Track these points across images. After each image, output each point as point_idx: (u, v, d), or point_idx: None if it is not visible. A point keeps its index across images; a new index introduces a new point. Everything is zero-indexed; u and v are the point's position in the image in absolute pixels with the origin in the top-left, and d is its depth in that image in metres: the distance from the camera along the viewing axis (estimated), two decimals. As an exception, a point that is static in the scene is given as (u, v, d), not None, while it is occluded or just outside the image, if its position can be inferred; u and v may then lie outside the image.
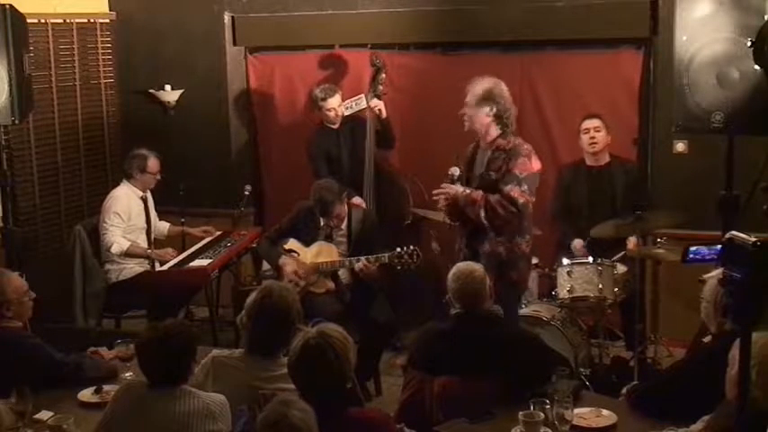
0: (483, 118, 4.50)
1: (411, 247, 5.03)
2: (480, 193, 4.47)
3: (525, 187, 4.44)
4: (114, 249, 5.52)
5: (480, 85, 4.51)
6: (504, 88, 4.56)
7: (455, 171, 4.56)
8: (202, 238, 6.02)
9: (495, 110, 4.48)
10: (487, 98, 4.48)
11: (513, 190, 4.41)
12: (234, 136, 6.77)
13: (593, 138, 5.38)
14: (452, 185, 4.54)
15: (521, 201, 4.42)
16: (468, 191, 4.50)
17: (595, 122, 5.40)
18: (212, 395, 3.10)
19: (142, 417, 3.01)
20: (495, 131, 4.52)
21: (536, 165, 4.51)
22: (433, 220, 5.50)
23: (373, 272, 5.10)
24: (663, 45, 5.40)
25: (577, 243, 5.33)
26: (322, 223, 5.27)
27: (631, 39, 5.75)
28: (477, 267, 3.76)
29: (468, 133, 4.64)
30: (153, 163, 5.71)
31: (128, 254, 5.56)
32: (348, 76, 6.32)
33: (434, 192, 4.60)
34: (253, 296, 3.42)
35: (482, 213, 4.44)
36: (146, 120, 6.76)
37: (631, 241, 5.15)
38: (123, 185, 5.73)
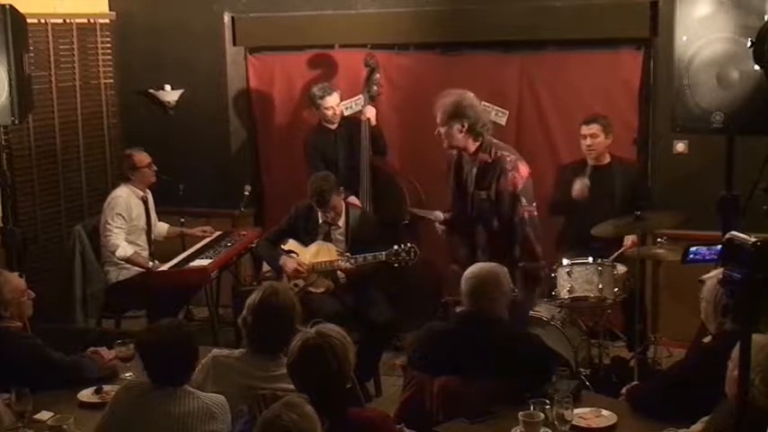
0: (456, 135, 4.43)
1: (408, 245, 5.03)
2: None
3: (524, 200, 4.40)
4: (119, 253, 5.51)
5: (446, 102, 4.43)
6: (470, 97, 4.47)
7: (438, 216, 4.67)
8: (202, 238, 6.02)
9: (466, 124, 4.41)
10: (456, 114, 4.40)
11: (524, 210, 4.38)
12: (234, 136, 6.77)
13: (589, 145, 5.38)
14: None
15: (526, 216, 4.39)
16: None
17: (592, 128, 5.35)
18: (212, 396, 3.10)
19: (142, 417, 3.02)
20: (473, 144, 4.47)
21: (524, 172, 4.44)
22: (431, 220, 5.50)
23: (355, 272, 5.11)
24: (663, 45, 5.40)
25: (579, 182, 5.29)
26: (321, 220, 5.28)
27: (631, 39, 5.75)
28: (490, 268, 3.73)
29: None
30: (139, 157, 5.69)
31: (129, 260, 5.55)
32: (347, 76, 6.31)
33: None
34: (255, 295, 3.41)
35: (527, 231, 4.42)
36: (146, 120, 6.77)
37: (629, 239, 5.15)
38: (124, 186, 5.72)
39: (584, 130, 5.38)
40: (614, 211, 5.19)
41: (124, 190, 5.69)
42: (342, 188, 5.32)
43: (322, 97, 5.83)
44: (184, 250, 5.88)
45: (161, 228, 6.05)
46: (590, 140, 5.36)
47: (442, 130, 4.46)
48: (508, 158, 4.44)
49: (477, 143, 4.47)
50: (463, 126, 4.41)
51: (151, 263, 5.57)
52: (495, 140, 4.56)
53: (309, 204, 5.28)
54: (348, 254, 5.12)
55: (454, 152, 4.61)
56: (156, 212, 5.99)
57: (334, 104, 5.85)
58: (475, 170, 4.48)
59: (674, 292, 5.45)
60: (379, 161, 5.98)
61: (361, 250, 5.14)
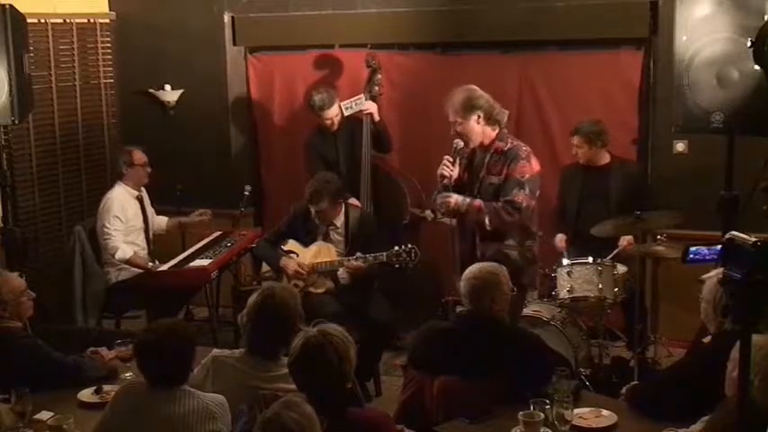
0: (475, 127, 4.49)
1: (409, 246, 5.03)
2: (479, 201, 4.48)
3: (528, 190, 4.44)
4: (119, 256, 5.51)
5: (457, 99, 4.49)
6: (477, 90, 4.54)
7: (459, 143, 4.55)
8: (200, 225, 5.99)
9: (481, 114, 4.47)
10: (470, 106, 4.47)
11: (518, 195, 4.41)
12: (234, 136, 6.77)
13: (575, 153, 5.46)
14: (452, 195, 4.53)
15: (524, 204, 4.43)
16: (467, 199, 4.50)
17: (575, 140, 5.41)
18: (212, 395, 3.10)
19: (142, 417, 3.02)
20: (490, 132, 4.52)
21: (536, 166, 4.52)
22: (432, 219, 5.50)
23: (364, 268, 5.11)
24: (663, 45, 5.40)
25: (559, 239, 5.34)
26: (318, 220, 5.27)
27: (631, 39, 5.75)
28: (490, 269, 3.73)
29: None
30: (138, 155, 5.69)
31: (129, 262, 5.55)
32: (348, 76, 6.32)
33: (438, 200, 4.57)
34: (255, 296, 3.42)
35: (486, 220, 4.44)
36: (146, 120, 6.76)
37: (625, 239, 5.16)
38: (117, 187, 5.71)
39: (572, 140, 5.45)
40: (613, 212, 5.20)
41: (118, 190, 5.68)
42: (341, 200, 5.29)
43: (321, 108, 5.80)
44: (184, 250, 5.88)
45: (160, 221, 6.02)
46: (575, 150, 5.45)
47: (460, 127, 4.50)
48: (524, 148, 4.52)
49: (495, 132, 4.50)
50: (479, 117, 4.47)
51: (151, 263, 5.58)
52: (511, 135, 4.63)
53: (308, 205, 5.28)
54: (360, 253, 5.11)
55: (467, 149, 4.62)
56: (155, 211, 5.99)
57: (333, 116, 5.85)
58: (488, 156, 4.51)
59: (674, 292, 5.45)
60: (379, 161, 5.98)
61: (360, 250, 5.14)
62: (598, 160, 5.45)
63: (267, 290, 3.45)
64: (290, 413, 2.53)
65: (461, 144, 4.55)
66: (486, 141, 4.53)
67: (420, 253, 5.04)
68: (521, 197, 4.42)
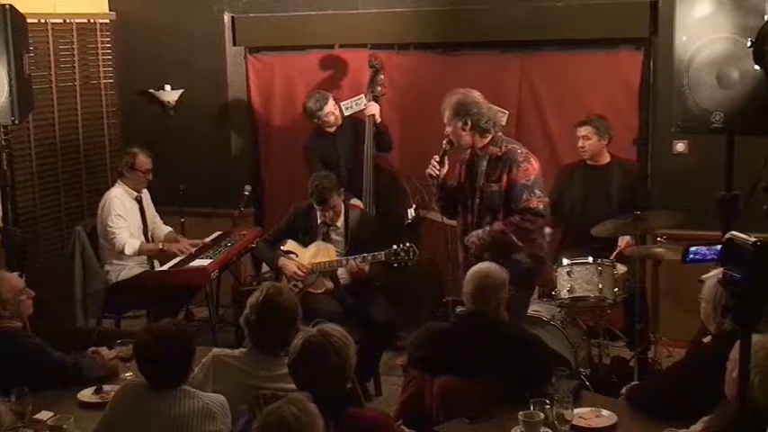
0: (461, 133, 4.49)
1: (407, 244, 5.03)
2: (497, 223, 4.45)
3: (538, 191, 4.44)
4: (128, 251, 5.50)
5: (449, 102, 4.50)
6: (474, 95, 4.52)
7: (447, 146, 4.55)
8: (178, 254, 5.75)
9: (469, 121, 4.46)
10: (459, 112, 4.46)
11: (531, 201, 4.40)
12: (234, 136, 6.78)
13: (581, 146, 5.44)
14: (472, 234, 4.50)
15: (541, 207, 4.43)
16: (486, 229, 4.47)
17: (584, 130, 5.41)
18: (212, 395, 3.10)
19: (142, 417, 3.02)
20: (480, 141, 4.51)
21: (536, 165, 4.50)
22: (433, 220, 5.50)
23: (366, 272, 5.10)
24: (663, 45, 5.40)
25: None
26: (319, 220, 5.27)
27: (631, 39, 5.75)
28: (494, 270, 3.74)
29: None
30: (142, 160, 5.67)
31: (141, 252, 5.55)
32: (348, 76, 6.32)
33: (467, 240, 4.54)
34: (259, 295, 3.41)
35: (514, 238, 4.42)
36: (146, 120, 6.77)
37: (624, 240, 5.15)
38: (117, 186, 5.70)
39: (578, 131, 5.44)
40: (613, 211, 5.20)
41: (117, 190, 5.67)
42: (342, 189, 5.32)
43: (316, 110, 5.82)
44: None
45: (162, 230, 5.97)
46: (582, 142, 5.43)
47: (449, 129, 4.50)
48: (519, 150, 4.51)
49: (486, 139, 4.50)
50: (466, 124, 4.46)
51: (161, 243, 5.63)
52: (506, 137, 4.61)
53: (308, 205, 5.28)
54: (366, 254, 5.11)
55: (468, 151, 4.62)
56: (157, 213, 5.98)
57: (332, 109, 5.85)
58: (485, 163, 4.50)
59: (674, 291, 5.45)
60: (381, 161, 5.98)
61: (359, 251, 5.14)
62: (601, 158, 5.45)
63: (273, 287, 3.45)
64: (291, 408, 2.52)
65: (449, 146, 4.56)
66: (479, 146, 4.52)
67: (419, 251, 5.04)
68: (534, 201, 4.41)
